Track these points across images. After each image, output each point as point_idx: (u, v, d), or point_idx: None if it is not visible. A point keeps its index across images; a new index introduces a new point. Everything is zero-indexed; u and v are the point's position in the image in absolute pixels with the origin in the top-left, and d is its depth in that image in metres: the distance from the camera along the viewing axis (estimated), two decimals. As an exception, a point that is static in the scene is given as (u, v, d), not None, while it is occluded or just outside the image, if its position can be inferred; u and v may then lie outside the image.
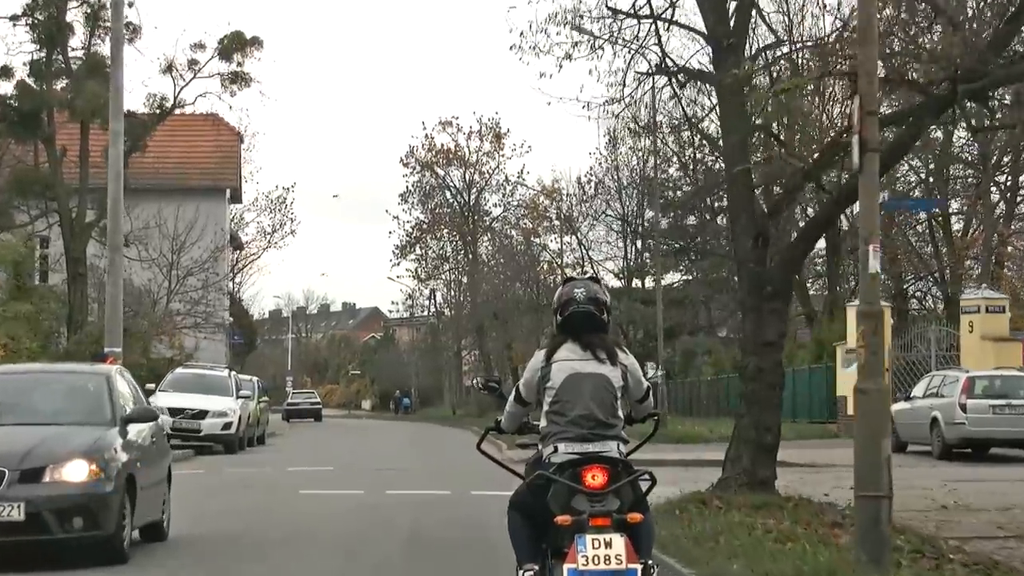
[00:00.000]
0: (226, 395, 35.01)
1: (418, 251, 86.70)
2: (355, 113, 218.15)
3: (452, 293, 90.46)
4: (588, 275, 9.83)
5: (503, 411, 8.36)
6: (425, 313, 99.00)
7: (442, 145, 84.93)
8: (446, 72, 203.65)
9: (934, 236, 49.49)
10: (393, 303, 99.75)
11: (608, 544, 7.39)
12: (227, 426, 34.08)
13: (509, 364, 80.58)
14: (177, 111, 52.25)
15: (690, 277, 64.08)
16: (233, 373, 36.62)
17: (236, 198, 68.43)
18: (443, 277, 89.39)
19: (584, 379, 7.79)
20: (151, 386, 35.68)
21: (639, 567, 7.50)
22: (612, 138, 70.65)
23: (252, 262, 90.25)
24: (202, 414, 33.93)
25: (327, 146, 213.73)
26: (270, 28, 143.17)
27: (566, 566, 7.42)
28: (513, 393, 8.28)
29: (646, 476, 7.87)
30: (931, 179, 47.61)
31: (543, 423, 7.94)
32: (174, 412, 33.81)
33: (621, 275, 70.45)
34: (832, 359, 38.77)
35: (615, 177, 71.75)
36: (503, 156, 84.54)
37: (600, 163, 72.20)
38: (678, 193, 64.73)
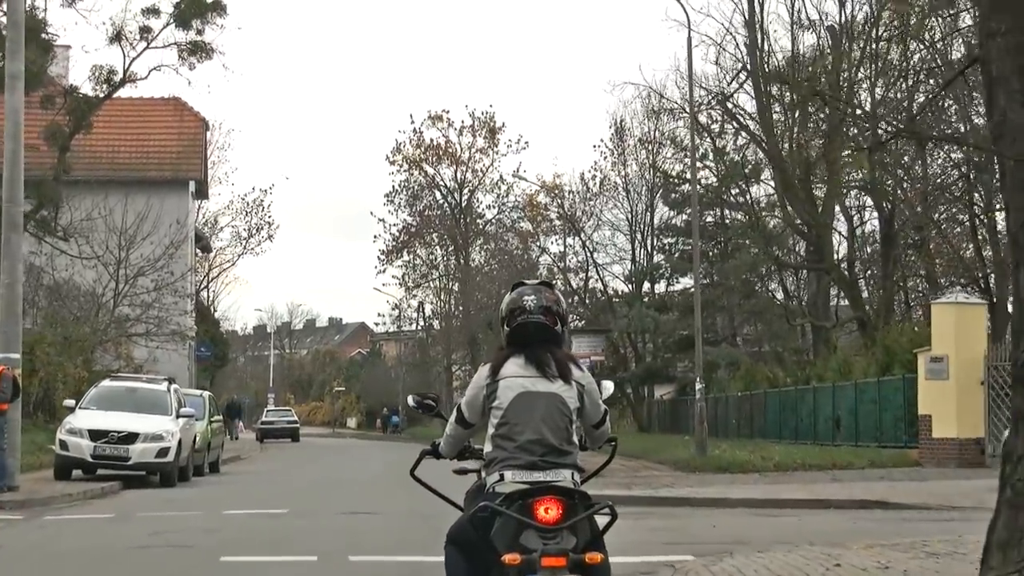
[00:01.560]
0: (163, 413, 28.11)
1: (405, 257, 79.73)
2: (340, 116, 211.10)
3: (442, 302, 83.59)
4: (541, 279, 7.01)
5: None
6: (413, 327, 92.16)
7: (431, 141, 78.35)
8: (435, 65, 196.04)
9: None
10: (380, 315, 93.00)
11: None
12: (163, 452, 27.16)
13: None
14: (128, 86, 45.42)
15: (709, 281, 57.25)
16: (174, 387, 29.63)
17: (202, 193, 61.66)
18: (432, 285, 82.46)
19: (535, 399, 6.55)
20: (70, 402, 28.90)
21: None
22: (619, 128, 64.22)
23: (227, 270, 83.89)
24: (131, 437, 27.03)
25: (310, 154, 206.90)
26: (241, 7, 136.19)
27: None
28: (454, 414, 6.92)
29: (606, 510, 6.49)
30: None
31: (488, 447, 6.65)
32: (96, 435, 26.93)
33: (631, 280, 63.57)
34: (907, 369, 31.85)
35: (622, 172, 65.09)
36: (498, 153, 77.91)
37: (605, 156, 65.62)
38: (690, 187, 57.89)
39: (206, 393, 34.96)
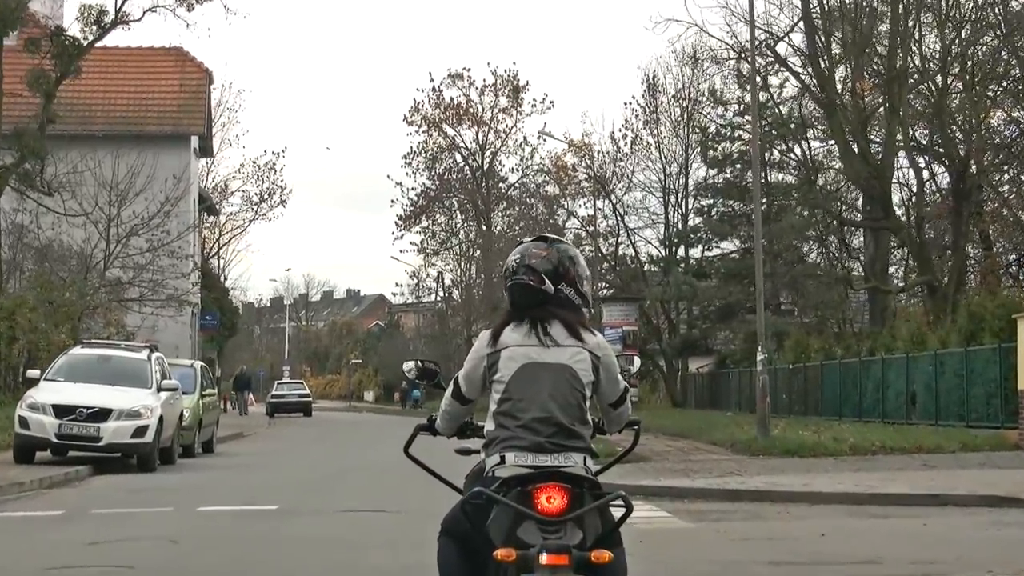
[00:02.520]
0: (142, 386, 24.11)
1: (424, 223, 75.46)
2: (356, 80, 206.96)
3: (462, 270, 79.48)
4: (536, 236, 6.00)
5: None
6: (432, 297, 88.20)
7: (452, 100, 73.94)
8: (455, 22, 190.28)
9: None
10: (398, 285, 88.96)
11: None
12: (140, 431, 23.17)
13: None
14: (121, 28, 41.33)
15: (749, 246, 53.03)
16: (157, 356, 25.59)
17: (206, 150, 57.70)
18: (452, 253, 78.28)
19: (542, 371, 5.67)
20: (34, 372, 25.00)
21: None
22: (651, 84, 60.04)
23: (237, 236, 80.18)
24: (103, 414, 23.04)
25: (324, 119, 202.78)
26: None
27: None
28: (451, 387, 5.97)
29: (619, 501, 5.53)
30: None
31: (489, 425, 5.77)
32: (61, 411, 22.96)
33: (665, 244, 59.34)
34: (1003, 339, 27.60)
35: (655, 131, 60.90)
36: (521, 113, 73.56)
37: (637, 115, 61.41)
38: (733, 146, 53.77)
39: (198, 363, 30.92)
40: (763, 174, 53.42)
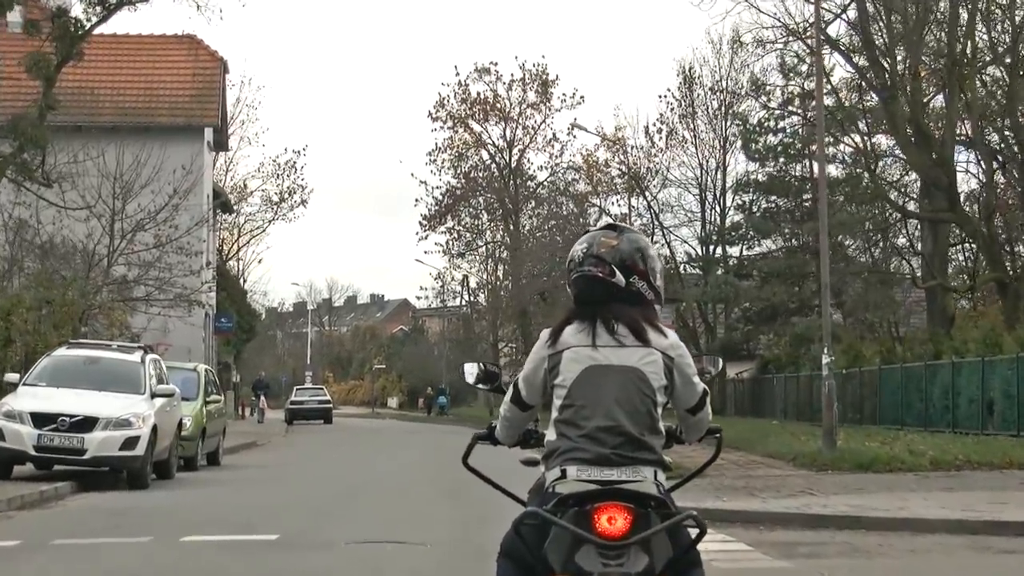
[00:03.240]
0: (133, 392, 21.37)
1: (449, 222, 72.66)
2: (379, 80, 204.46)
3: (489, 272, 76.68)
4: (607, 224, 5.29)
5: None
6: (457, 301, 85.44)
7: (478, 95, 71.16)
8: (481, 16, 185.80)
9: None
10: (422, 289, 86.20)
11: None
12: (130, 442, 20.40)
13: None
14: (127, 9, 38.49)
15: (796, 243, 50.26)
16: (152, 357, 22.84)
17: (221, 144, 55.04)
18: (478, 254, 75.48)
19: (607, 374, 5.03)
20: (12, 376, 22.32)
21: None
22: (687, 76, 57.27)
23: (257, 236, 77.65)
24: (87, 423, 20.30)
25: (347, 119, 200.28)
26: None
27: None
28: (510, 391, 5.37)
29: (691, 522, 4.87)
30: None
31: (550, 434, 5.13)
32: (40, 420, 20.23)
33: (703, 243, 56.45)
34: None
35: (691, 125, 58.07)
36: (551, 108, 70.77)
37: (672, 108, 58.58)
38: (776, 139, 50.91)
39: (202, 366, 28.11)
40: (810, 166, 50.63)
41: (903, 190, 46.11)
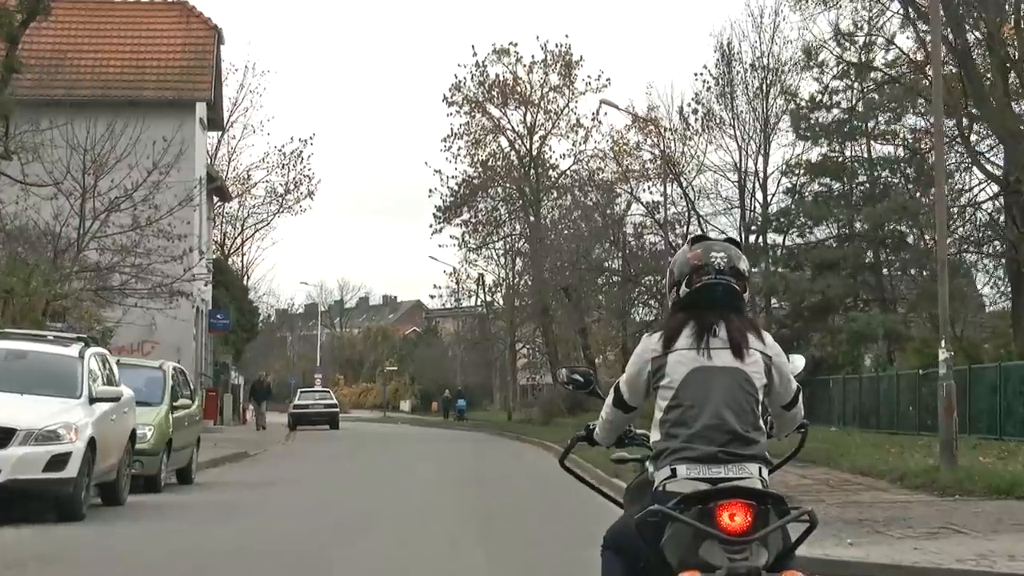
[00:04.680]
0: (67, 395, 16.53)
1: (465, 214, 67.62)
2: (394, 71, 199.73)
3: (507, 268, 71.79)
4: (725, 236, 5.82)
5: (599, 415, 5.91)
6: (473, 300, 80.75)
7: (497, 77, 66.13)
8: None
9: None
10: (436, 287, 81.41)
11: None
12: (57, 461, 15.54)
13: (583, 355, 62.10)
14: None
15: (850, 230, 45.29)
16: (95, 351, 17.94)
17: (216, 123, 50.28)
18: (495, 249, 70.55)
19: (714, 375, 5.40)
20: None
21: None
22: (725, 52, 52.37)
23: (262, 229, 73.02)
24: (2, 437, 15.44)
25: (358, 110, 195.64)
26: None
27: None
28: (612, 394, 5.77)
29: (804, 517, 5.25)
30: None
31: (655, 435, 5.49)
32: (-61, 433, 15.34)
33: (742, 232, 51.53)
34: None
35: (730, 105, 53.13)
36: (575, 91, 65.64)
37: (709, 87, 53.66)
38: (830, 115, 46.00)
39: (169, 364, 23.04)
40: (869, 146, 45.74)
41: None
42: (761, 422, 5.41)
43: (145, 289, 33.45)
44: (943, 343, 20.28)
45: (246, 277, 77.01)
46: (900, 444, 28.43)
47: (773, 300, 48.97)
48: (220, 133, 60.65)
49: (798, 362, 5.96)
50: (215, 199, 54.81)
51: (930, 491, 18.83)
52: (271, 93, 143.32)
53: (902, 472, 20.64)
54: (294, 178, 69.39)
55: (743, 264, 5.55)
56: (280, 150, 68.83)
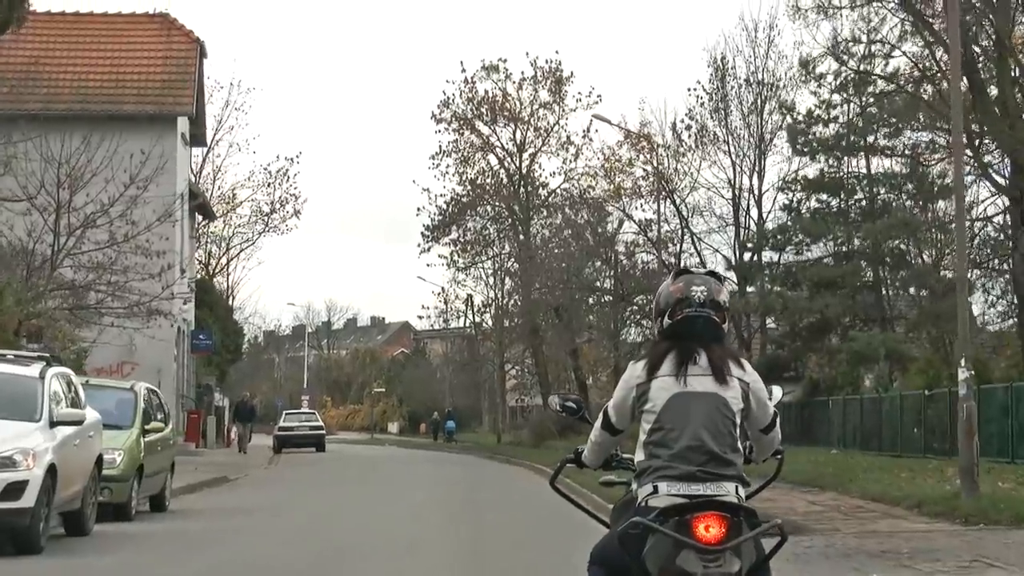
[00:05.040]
0: (25, 418, 15.30)
1: (454, 233, 66.36)
2: (382, 90, 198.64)
3: (495, 287, 70.59)
4: (706, 270, 6.13)
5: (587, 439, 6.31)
6: (461, 321, 79.56)
7: (486, 93, 64.92)
8: (489, 10, 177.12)
9: None
10: (424, 307, 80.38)
11: None
12: (13, 490, 14.36)
13: (575, 376, 60.96)
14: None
15: (849, 248, 44.18)
16: (57, 370, 16.72)
17: (198, 139, 49.14)
18: (485, 267, 69.31)
19: (694, 400, 5.76)
20: None
21: None
22: (719, 67, 51.44)
23: (247, 249, 71.81)
24: (-52, 464, 14.26)
25: (352, 148, 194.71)
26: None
27: None
28: (601, 417, 6.17)
29: (775, 530, 5.65)
30: None
31: (639, 456, 5.89)
32: None
33: (736, 250, 50.42)
34: None
35: (723, 121, 52.16)
36: (565, 108, 64.44)
37: (702, 103, 52.69)
38: (827, 130, 44.99)
39: (141, 385, 21.72)
40: (868, 161, 44.68)
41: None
42: (739, 444, 5.74)
43: (122, 308, 32.23)
44: (963, 362, 19.02)
45: (231, 298, 75.85)
46: (908, 468, 27.29)
47: (768, 320, 47.74)
48: (205, 150, 59.54)
49: (777, 393, 6.20)
50: (198, 217, 53.59)
51: (951, 519, 17.68)
52: (257, 111, 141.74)
53: (919, 499, 19.48)
54: (280, 197, 68.34)
55: (723, 296, 5.82)
56: (266, 168, 67.80)
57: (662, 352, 5.81)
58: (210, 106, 62.90)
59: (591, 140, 62.47)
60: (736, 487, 5.64)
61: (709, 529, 5.42)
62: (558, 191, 64.41)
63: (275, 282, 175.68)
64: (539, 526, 18.65)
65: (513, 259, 65.17)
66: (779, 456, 6.23)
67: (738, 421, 5.73)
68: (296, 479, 34.70)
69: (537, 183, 65.89)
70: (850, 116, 44.45)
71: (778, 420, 6.02)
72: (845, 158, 45.21)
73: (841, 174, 45.22)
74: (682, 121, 53.30)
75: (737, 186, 51.42)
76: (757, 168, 51.32)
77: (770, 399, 6.07)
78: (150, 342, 40.32)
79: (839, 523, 17.92)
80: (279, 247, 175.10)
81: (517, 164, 65.73)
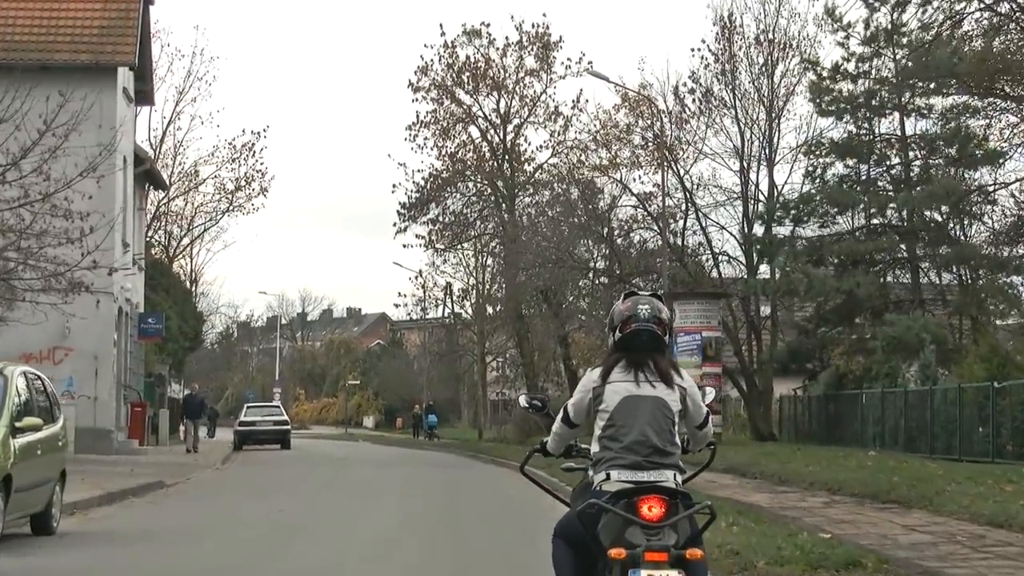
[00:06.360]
0: None
1: (433, 211, 61.00)
2: (354, 79, 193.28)
3: (477, 270, 65.56)
4: (650, 292, 7.47)
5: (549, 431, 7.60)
6: (440, 310, 74.75)
7: (467, 59, 59.66)
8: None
9: None
10: (401, 295, 75.38)
11: None
12: None
13: (564, 366, 55.88)
14: None
15: (880, 221, 39.10)
16: None
17: (145, 96, 43.78)
18: (466, 248, 64.25)
19: (640, 402, 7.05)
20: None
21: None
22: (725, 25, 46.39)
23: (208, 228, 66.74)
24: None
25: (327, 143, 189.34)
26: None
27: None
28: (561, 413, 7.52)
29: (706, 510, 6.94)
30: None
31: (595, 447, 7.19)
32: None
33: (745, 225, 45.23)
34: None
35: (730, 84, 47.11)
36: (553, 75, 59.15)
37: (707, 65, 47.65)
38: (856, 86, 39.79)
39: (15, 368, 15.56)
40: (902, 123, 39.57)
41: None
42: (677, 439, 6.97)
43: (35, 278, 26.96)
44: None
45: (194, 283, 70.73)
46: (992, 475, 22.14)
47: (784, 304, 42.52)
48: (165, 123, 54.40)
49: (710, 393, 7.91)
50: (148, 186, 48.27)
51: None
52: (222, 83, 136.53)
53: (971, 511, 14.40)
54: (245, 173, 63.38)
55: (664, 314, 7.10)
56: (231, 143, 62.91)
57: (614, 361, 7.06)
58: (162, 71, 57.81)
59: (582, 111, 57.12)
60: (674, 474, 6.87)
61: (652, 509, 6.64)
62: (545, 166, 59.34)
63: (249, 273, 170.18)
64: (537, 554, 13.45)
65: (497, 240, 60.00)
66: (712, 447, 7.53)
67: (676, 420, 6.98)
68: (243, 485, 29.28)
69: (523, 158, 60.77)
70: (880, 73, 39.27)
71: (711, 418, 7.33)
72: (876, 119, 40.10)
73: (872, 136, 40.09)
74: (685, 84, 48.30)
75: (746, 155, 46.36)
76: (767, 136, 46.32)
77: (703, 399, 7.28)
78: (87, 325, 35.42)
79: (976, 561, 12.76)
80: (251, 233, 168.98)
81: (501, 137, 60.60)
